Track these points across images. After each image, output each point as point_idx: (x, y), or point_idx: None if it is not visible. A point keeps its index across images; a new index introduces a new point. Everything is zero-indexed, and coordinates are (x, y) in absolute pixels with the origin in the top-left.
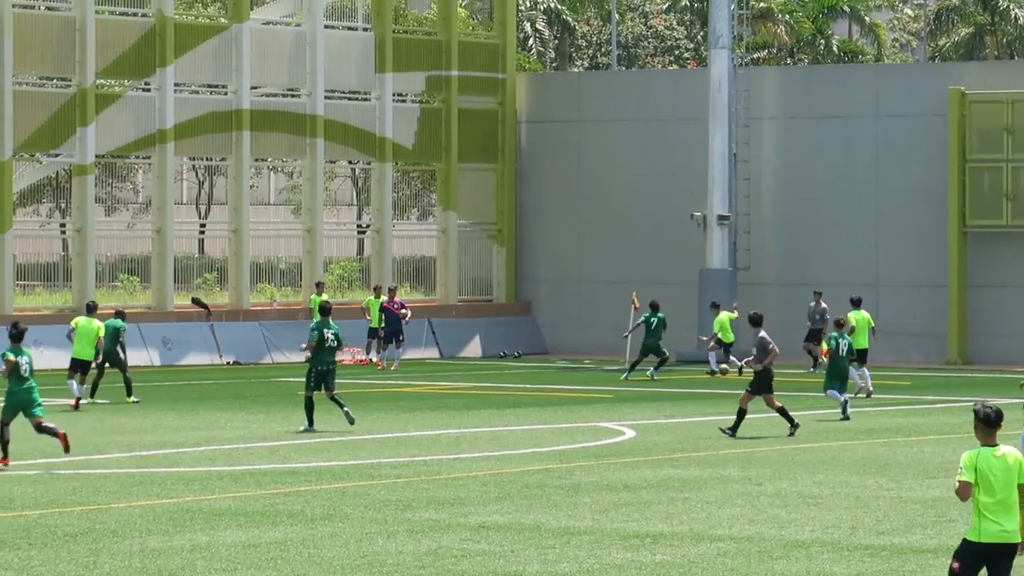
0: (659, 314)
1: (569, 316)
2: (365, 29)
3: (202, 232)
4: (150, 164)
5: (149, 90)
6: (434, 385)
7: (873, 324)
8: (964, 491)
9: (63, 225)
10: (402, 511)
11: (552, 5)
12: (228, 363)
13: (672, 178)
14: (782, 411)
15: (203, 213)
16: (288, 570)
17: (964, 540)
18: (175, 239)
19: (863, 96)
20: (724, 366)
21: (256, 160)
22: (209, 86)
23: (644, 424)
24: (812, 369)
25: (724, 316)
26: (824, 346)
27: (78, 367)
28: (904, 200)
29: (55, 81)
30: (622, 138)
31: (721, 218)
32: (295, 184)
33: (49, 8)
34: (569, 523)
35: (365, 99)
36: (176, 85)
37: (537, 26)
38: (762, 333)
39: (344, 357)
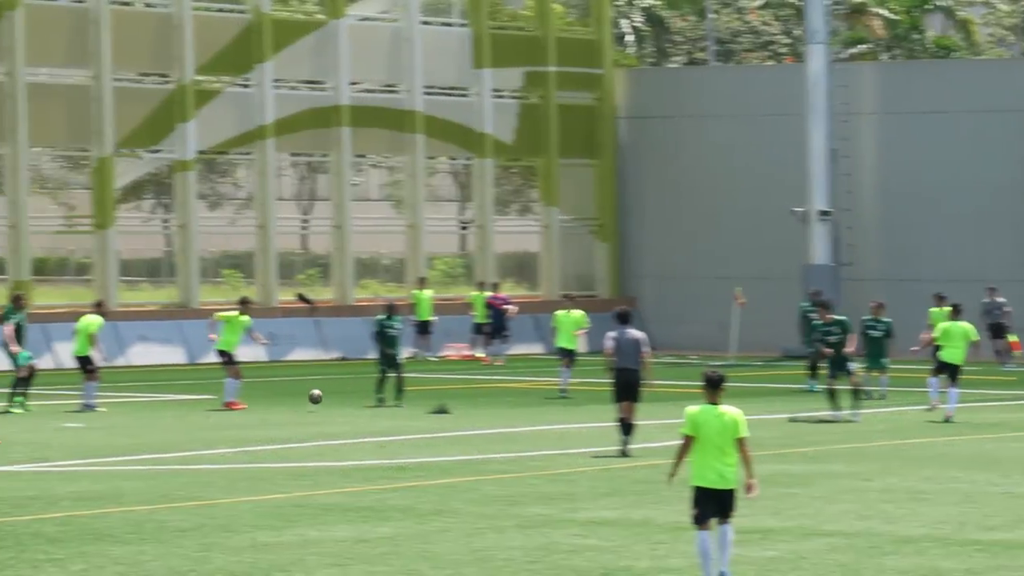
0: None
1: (673, 311)
2: (461, 25)
3: (304, 228)
4: (251, 160)
5: (248, 86)
6: (539, 380)
7: (974, 338)
8: (685, 444)
9: (166, 221)
10: (511, 506)
11: (648, 2)
12: (334, 359)
13: (770, 173)
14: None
15: (305, 209)
16: (399, 565)
17: (692, 487)
18: (278, 235)
19: (961, 91)
20: None
21: (357, 156)
22: (307, 82)
23: (751, 420)
24: (1003, 366)
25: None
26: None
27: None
28: (1004, 195)
29: (154, 77)
30: (720, 133)
31: (823, 213)
32: (396, 180)
33: (147, 4)
34: (678, 518)
35: (463, 95)
36: (275, 81)
37: (634, 22)
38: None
39: (450, 352)
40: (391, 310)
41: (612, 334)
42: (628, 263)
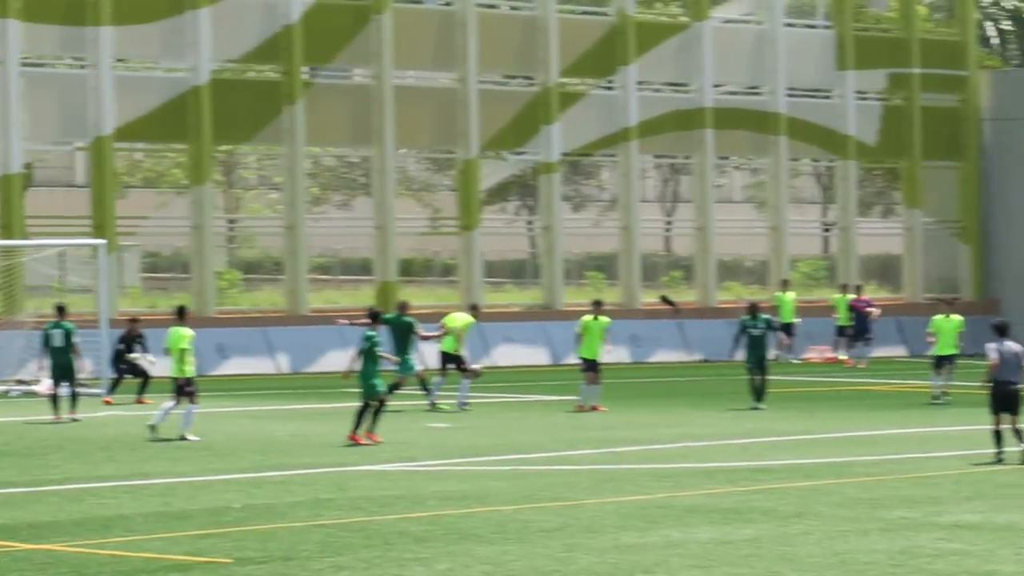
0: None
1: None
2: (824, 27)
3: (668, 230)
4: (615, 162)
5: (612, 88)
6: (903, 384)
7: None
8: None
9: (530, 223)
10: (874, 509)
11: (1014, 3)
12: (697, 361)
13: None
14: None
15: (669, 211)
16: (761, 568)
17: None
18: (641, 237)
19: None
20: None
21: (720, 158)
22: (671, 84)
23: None
24: None
25: None
26: None
27: (590, 367)
28: None
29: (519, 80)
30: None
31: None
32: (759, 181)
33: (513, 8)
34: None
35: (826, 97)
36: (638, 83)
37: (999, 24)
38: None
39: (812, 355)
40: (754, 311)
41: (993, 345)
42: (991, 265)
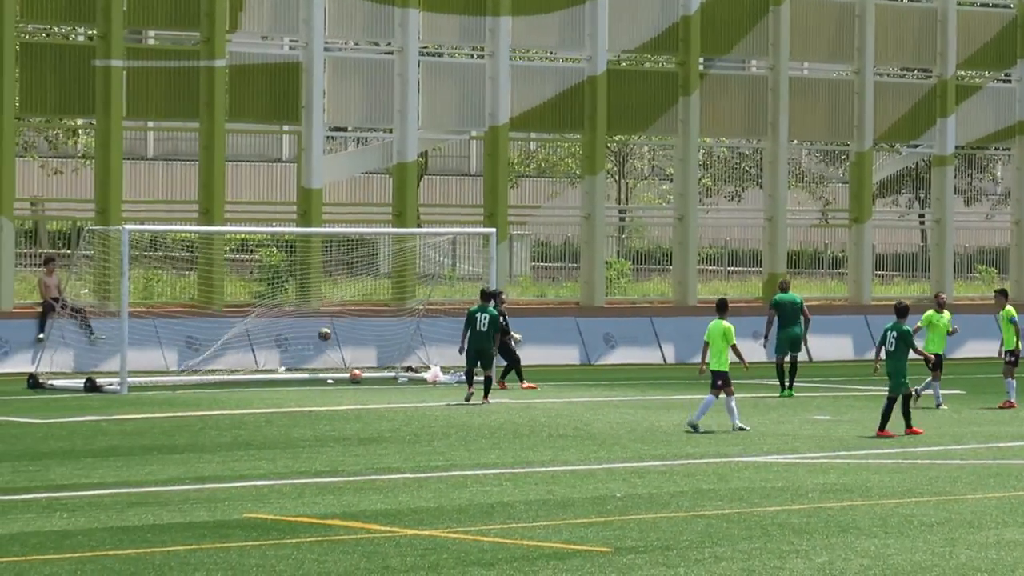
0: None
1: None
2: None
3: None
4: (1009, 155)
5: (1009, 81)
6: None
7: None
8: None
9: (922, 215)
10: None
11: None
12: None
13: None
14: None
15: None
16: None
17: None
18: None
19: None
20: None
21: None
22: None
23: None
24: None
25: None
26: None
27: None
28: None
29: (916, 72)
30: None
31: None
32: None
33: (912, 0)
34: None
35: None
36: None
37: None
38: None
39: None
40: None
41: None
42: None
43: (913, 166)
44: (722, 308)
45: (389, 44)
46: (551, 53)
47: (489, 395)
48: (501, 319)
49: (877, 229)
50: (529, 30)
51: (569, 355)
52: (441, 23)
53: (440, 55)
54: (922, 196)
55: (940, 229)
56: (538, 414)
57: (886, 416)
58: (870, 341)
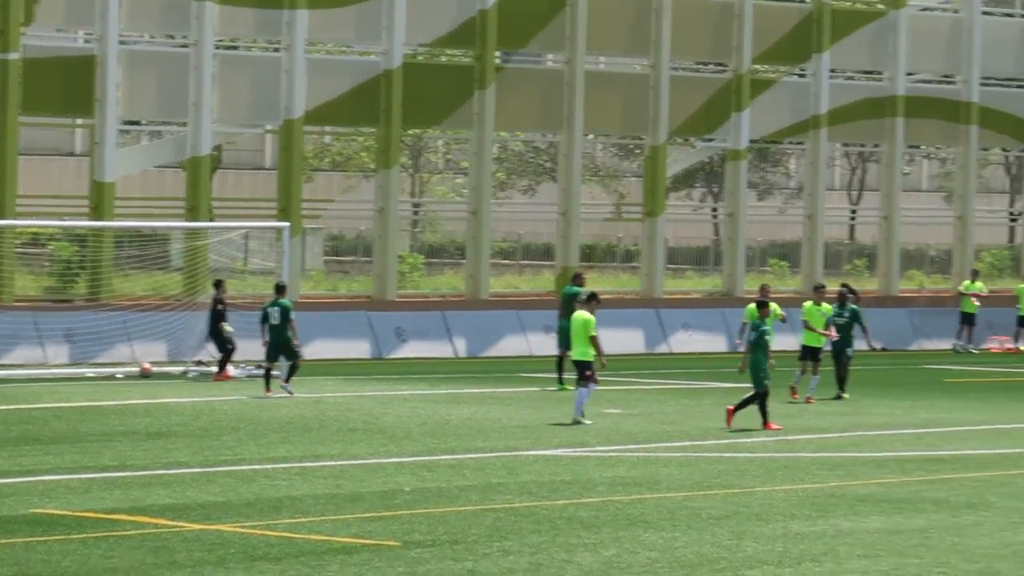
0: None
1: None
2: (1023, 16)
3: (853, 218)
4: (803, 150)
5: (804, 76)
6: None
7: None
8: None
9: (715, 209)
10: None
11: None
12: (875, 349)
13: None
14: None
15: (854, 199)
16: (931, 558)
17: None
18: (825, 225)
19: None
20: None
21: (909, 147)
22: (864, 72)
23: None
24: None
25: None
26: None
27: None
28: None
29: (712, 66)
30: None
31: None
32: (947, 171)
33: None
34: None
35: (1020, 86)
36: (831, 71)
37: None
38: None
39: (992, 345)
40: (843, 300)
41: None
42: None
43: (707, 160)
44: (590, 299)
45: (185, 37)
46: (348, 47)
47: (290, 384)
48: (219, 306)
49: (670, 223)
50: (326, 23)
51: (360, 349)
52: (237, 16)
53: (236, 48)
54: (715, 190)
55: (733, 223)
56: (328, 408)
57: (763, 410)
58: (661, 335)
